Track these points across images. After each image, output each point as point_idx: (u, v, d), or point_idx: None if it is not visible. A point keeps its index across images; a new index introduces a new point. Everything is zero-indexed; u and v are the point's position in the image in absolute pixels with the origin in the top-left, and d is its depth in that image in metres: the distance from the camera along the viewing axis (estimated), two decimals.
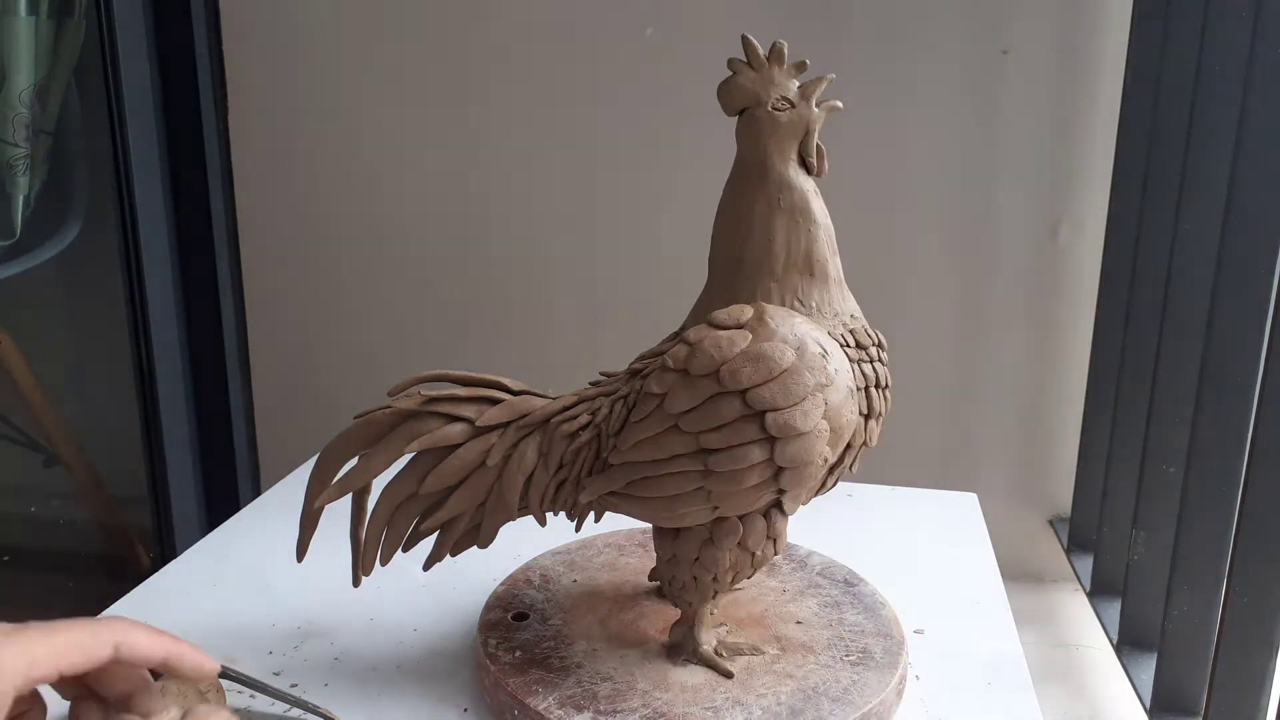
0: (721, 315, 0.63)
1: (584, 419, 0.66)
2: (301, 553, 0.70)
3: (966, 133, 1.54)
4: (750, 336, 0.62)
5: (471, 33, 1.62)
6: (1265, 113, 1.05)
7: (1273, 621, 1.01)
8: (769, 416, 0.60)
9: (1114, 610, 1.37)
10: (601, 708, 0.65)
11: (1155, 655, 1.22)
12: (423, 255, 1.73)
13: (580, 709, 0.65)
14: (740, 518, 0.66)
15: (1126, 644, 1.32)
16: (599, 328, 1.69)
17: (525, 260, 1.70)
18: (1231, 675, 1.03)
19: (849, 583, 0.82)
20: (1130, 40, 1.43)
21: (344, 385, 1.78)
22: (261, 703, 0.70)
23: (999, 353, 1.62)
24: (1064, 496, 1.64)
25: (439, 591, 0.85)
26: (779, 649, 0.72)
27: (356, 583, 0.70)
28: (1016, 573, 1.45)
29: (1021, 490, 1.67)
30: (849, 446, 0.65)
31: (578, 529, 0.69)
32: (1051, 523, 1.67)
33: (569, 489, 0.67)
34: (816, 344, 0.62)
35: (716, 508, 0.64)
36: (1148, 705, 1.20)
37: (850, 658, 0.71)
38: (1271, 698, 1.03)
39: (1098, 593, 1.45)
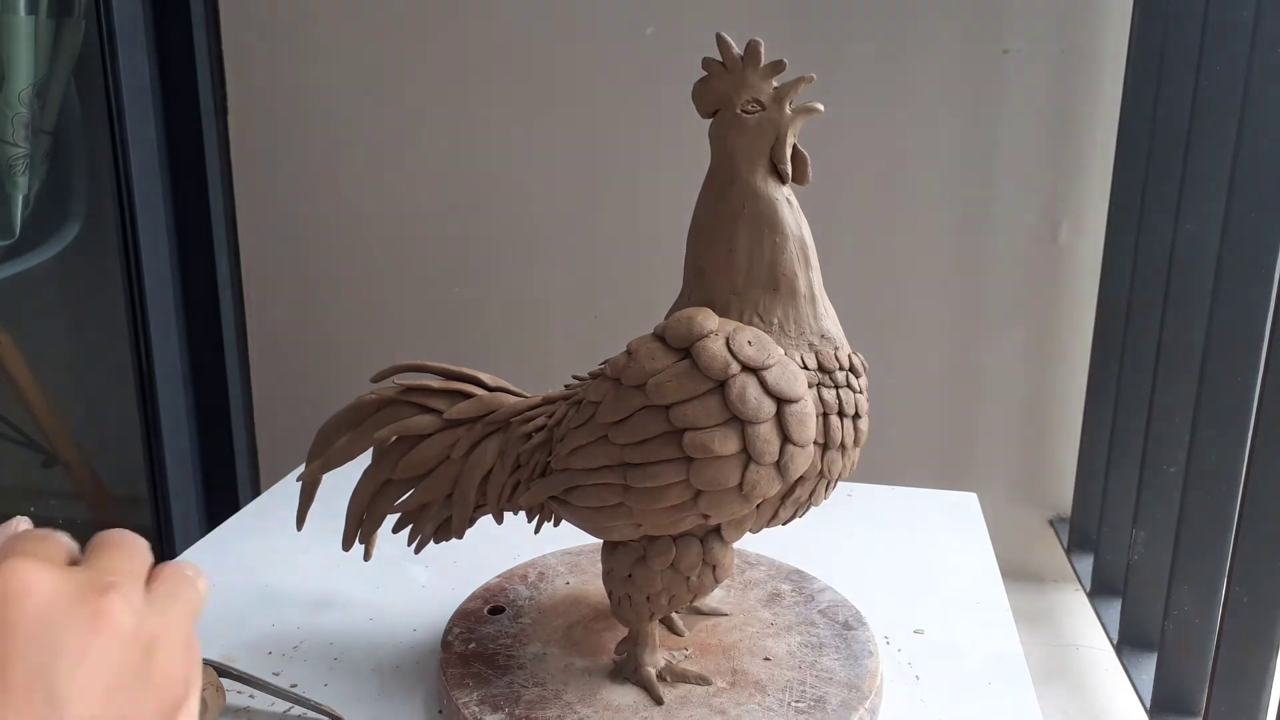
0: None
1: (540, 421, 0.64)
2: (299, 522, 0.72)
3: (967, 133, 1.54)
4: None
5: (470, 32, 1.63)
6: (1265, 113, 1.05)
7: (1273, 621, 1.01)
8: (686, 435, 0.57)
9: (1114, 610, 1.37)
10: (518, 712, 0.64)
11: (1155, 655, 1.22)
12: (423, 255, 1.73)
13: (497, 709, 0.64)
14: (675, 539, 0.62)
15: (1126, 644, 1.32)
16: (599, 329, 1.69)
17: (526, 260, 1.70)
18: (1231, 675, 1.03)
19: (848, 625, 0.75)
20: (1130, 40, 1.43)
21: (344, 385, 1.77)
22: (262, 701, 0.70)
23: (999, 353, 1.61)
24: (1064, 496, 1.64)
25: (439, 592, 0.84)
26: (729, 683, 0.67)
27: (347, 548, 0.71)
28: (1016, 573, 1.45)
29: (1021, 490, 1.67)
30: (802, 477, 0.61)
31: (536, 531, 0.69)
32: (1051, 523, 1.67)
33: (523, 490, 0.65)
34: None
35: (640, 525, 0.61)
36: (1148, 705, 1.20)
37: (800, 704, 0.65)
38: (1271, 698, 1.03)
39: (1098, 593, 1.45)
